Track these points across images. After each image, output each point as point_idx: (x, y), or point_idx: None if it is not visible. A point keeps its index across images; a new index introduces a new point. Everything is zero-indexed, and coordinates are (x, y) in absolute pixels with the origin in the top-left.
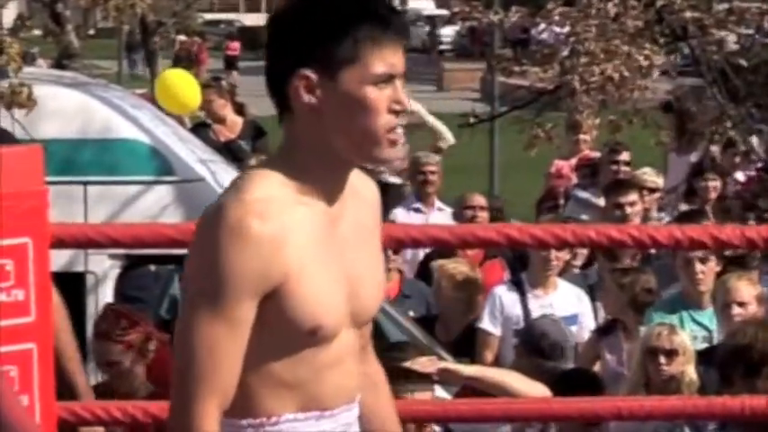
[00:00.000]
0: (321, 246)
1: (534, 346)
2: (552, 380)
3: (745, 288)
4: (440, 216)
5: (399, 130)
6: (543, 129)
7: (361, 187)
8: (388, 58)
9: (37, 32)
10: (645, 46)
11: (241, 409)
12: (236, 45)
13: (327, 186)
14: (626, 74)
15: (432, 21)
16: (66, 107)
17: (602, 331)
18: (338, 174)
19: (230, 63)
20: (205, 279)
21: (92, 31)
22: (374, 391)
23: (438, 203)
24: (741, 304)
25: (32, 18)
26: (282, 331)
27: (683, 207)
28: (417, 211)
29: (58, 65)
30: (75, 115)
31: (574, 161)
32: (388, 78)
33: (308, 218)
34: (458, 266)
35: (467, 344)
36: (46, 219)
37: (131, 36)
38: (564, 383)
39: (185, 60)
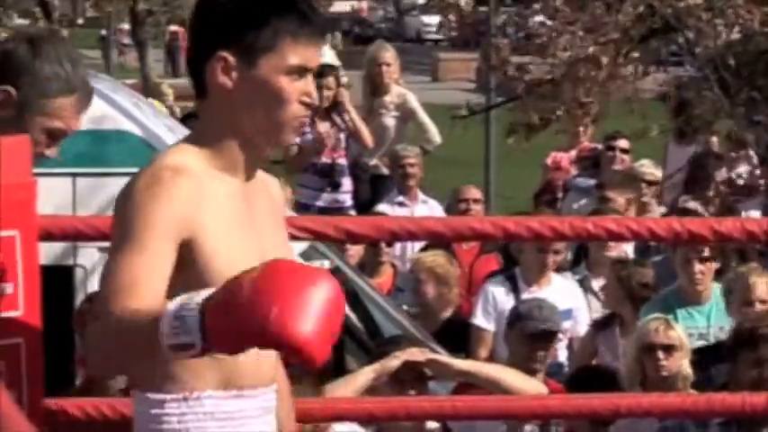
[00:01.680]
0: (236, 218)
1: (517, 315)
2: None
3: (765, 285)
4: (424, 209)
5: (305, 120)
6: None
7: (270, 185)
8: (303, 52)
9: (22, 21)
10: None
11: (164, 384)
12: None
13: (239, 165)
14: (604, 60)
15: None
16: None
17: (599, 326)
18: (249, 154)
19: None
20: (125, 226)
21: (81, 21)
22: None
23: (422, 196)
24: (763, 302)
25: (15, 6)
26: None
27: (684, 198)
28: (401, 204)
29: None
30: None
31: (573, 153)
32: (301, 71)
33: (221, 189)
34: (436, 259)
35: (448, 337)
36: (34, 211)
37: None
38: (579, 380)
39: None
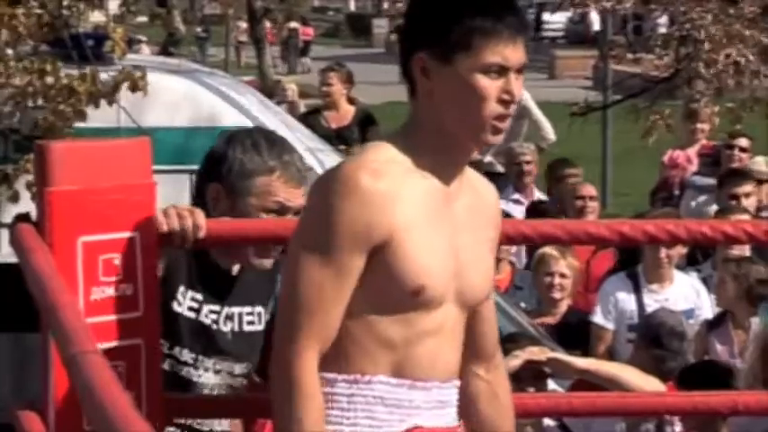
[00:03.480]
0: (432, 215)
1: (652, 339)
2: (670, 373)
3: None
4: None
5: (506, 119)
6: (662, 116)
7: (482, 190)
8: (499, 50)
9: (143, 19)
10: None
11: (336, 364)
12: (309, 30)
13: (442, 166)
14: (750, 57)
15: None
16: (172, 95)
17: (712, 324)
18: (453, 155)
19: (303, 49)
20: (315, 230)
21: (198, 16)
22: (494, 402)
23: (537, 193)
24: None
25: (138, 3)
26: (387, 288)
27: None
28: (516, 202)
29: (164, 51)
30: (182, 103)
31: (690, 151)
32: (499, 69)
33: (421, 186)
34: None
35: (565, 334)
36: (154, 212)
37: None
38: (692, 376)
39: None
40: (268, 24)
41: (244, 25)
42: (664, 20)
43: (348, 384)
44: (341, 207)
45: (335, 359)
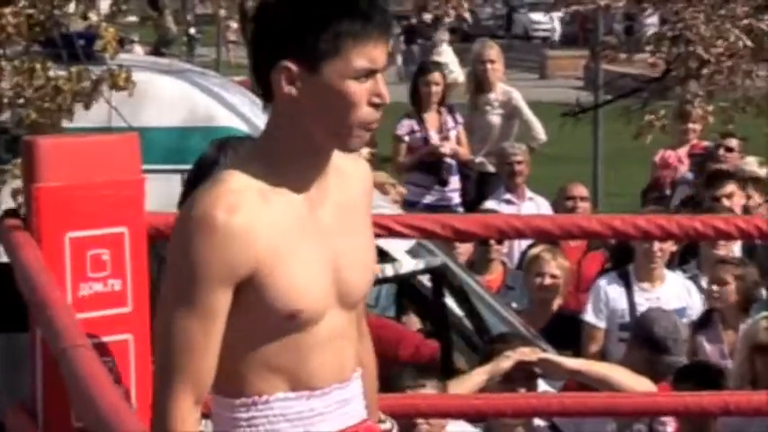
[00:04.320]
0: (298, 232)
1: (645, 339)
2: (663, 373)
3: None
4: (532, 206)
5: (376, 122)
6: (656, 115)
7: (346, 166)
8: (369, 53)
9: (133, 19)
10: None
11: (233, 389)
12: None
13: (305, 174)
14: (748, 43)
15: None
16: (163, 95)
17: (699, 324)
18: (316, 160)
19: None
20: (177, 273)
21: (189, 17)
22: (360, 369)
23: (529, 193)
24: None
25: (129, 3)
26: (263, 317)
27: None
28: (508, 202)
29: (156, 51)
30: (173, 103)
31: (681, 151)
32: (368, 72)
33: (282, 208)
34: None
35: (555, 333)
36: (143, 208)
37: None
38: (685, 377)
39: None
40: None
41: (234, 25)
42: (654, 20)
43: (246, 408)
44: (199, 248)
45: (232, 385)
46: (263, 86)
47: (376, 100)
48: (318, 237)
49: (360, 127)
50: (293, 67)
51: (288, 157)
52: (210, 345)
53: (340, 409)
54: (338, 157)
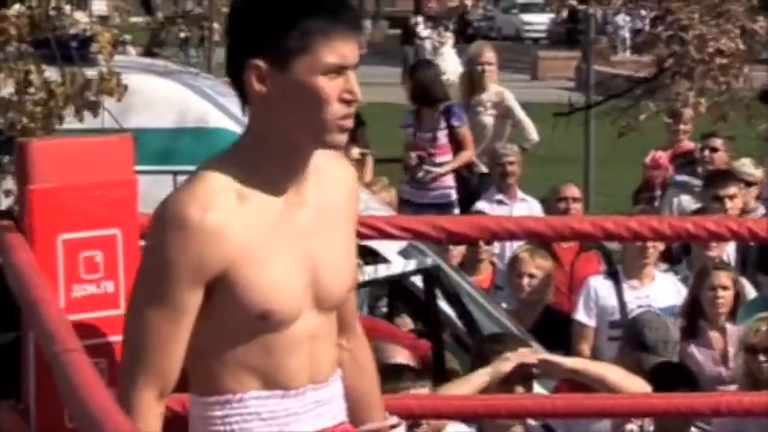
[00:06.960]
0: (274, 234)
1: (637, 341)
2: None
3: None
4: (523, 207)
5: (350, 118)
6: (635, 117)
7: (328, 168)
8: (338, 49)
9: (136, 20)
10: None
11: (207, 387)
12: None
13: (284, 174)
14: (741, 46)
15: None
16: (156, 96)
17: (688, 333)
18: (295, 160)
19: None
20: (149, 269)
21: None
22: (357, 368)
23: (521, 194)
24: None
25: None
26: (235, 316)
27: None
28: (500, 203)
29: (148, 53)
30: (167, 104)
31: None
32: (338, 69)
33: (259, 208)
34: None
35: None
36: (135, 209)
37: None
38: (660, 377)
39: None
40: None
41: (217, 26)
42: (622, 18)
43: (221, 406)
44: (171, 245)
45: (207, 383)
46: (238, 86)
47: (347, 96)
48: (295, 238)
49: (332, 123)
50: (263, 65)
51: (265, 156)
52: (178, 341)
53: (315, 410)
54: (320, 159)
